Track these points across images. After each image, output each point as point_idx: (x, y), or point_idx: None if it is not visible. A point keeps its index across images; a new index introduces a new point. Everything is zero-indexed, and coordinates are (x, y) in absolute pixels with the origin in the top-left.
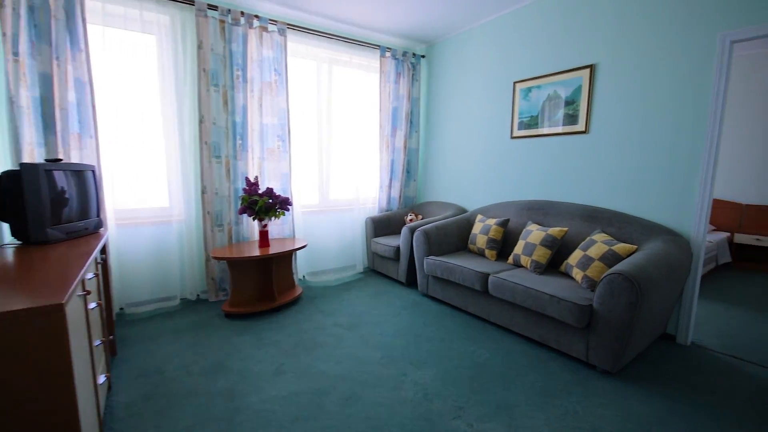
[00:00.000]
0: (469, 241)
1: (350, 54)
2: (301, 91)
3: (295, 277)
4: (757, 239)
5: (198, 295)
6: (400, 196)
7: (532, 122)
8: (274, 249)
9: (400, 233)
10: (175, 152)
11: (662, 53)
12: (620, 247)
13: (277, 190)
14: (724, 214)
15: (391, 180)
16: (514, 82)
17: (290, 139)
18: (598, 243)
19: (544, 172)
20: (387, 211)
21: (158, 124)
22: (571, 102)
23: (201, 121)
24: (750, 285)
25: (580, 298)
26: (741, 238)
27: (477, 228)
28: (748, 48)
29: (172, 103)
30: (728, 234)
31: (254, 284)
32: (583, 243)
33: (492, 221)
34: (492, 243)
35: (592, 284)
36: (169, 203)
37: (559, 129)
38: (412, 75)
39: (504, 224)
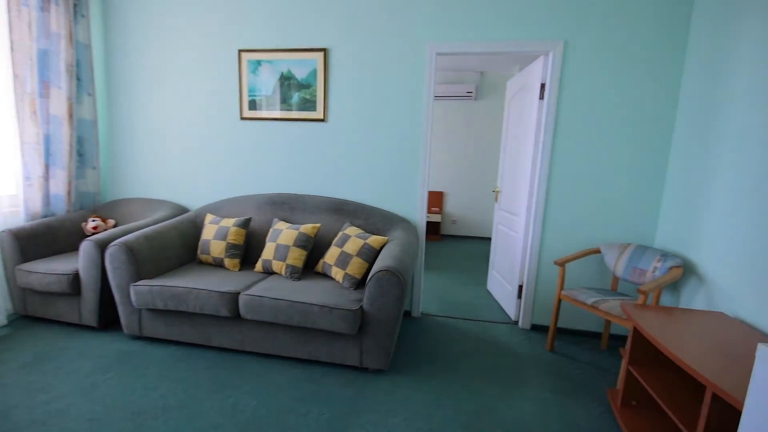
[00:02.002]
0: (199, 251)
1: None
2: None
3: None
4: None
5: None
6: (69, 193)
7: (267, 103)
8: None
9: (76, 251)
10: None
11: (386, 53)
12: (374, 239)
13: None
14: None
15: (48, 168)
16: (240, 51)
17: None
18: (353, 237)
19: (285, 161)
20: (45, 217)
21: None
22: (307, 85)
23: None
24: (432, 253)
25: (350, 302)
26: None
27: (209, 232)
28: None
29: None
30: None
31: None
32: (337, 239)
33: (229, 222)
34: (233, 249)
35: (354, 282)
36: None
37: (298, 114)
38: (75, 6)
39: (245, 224)
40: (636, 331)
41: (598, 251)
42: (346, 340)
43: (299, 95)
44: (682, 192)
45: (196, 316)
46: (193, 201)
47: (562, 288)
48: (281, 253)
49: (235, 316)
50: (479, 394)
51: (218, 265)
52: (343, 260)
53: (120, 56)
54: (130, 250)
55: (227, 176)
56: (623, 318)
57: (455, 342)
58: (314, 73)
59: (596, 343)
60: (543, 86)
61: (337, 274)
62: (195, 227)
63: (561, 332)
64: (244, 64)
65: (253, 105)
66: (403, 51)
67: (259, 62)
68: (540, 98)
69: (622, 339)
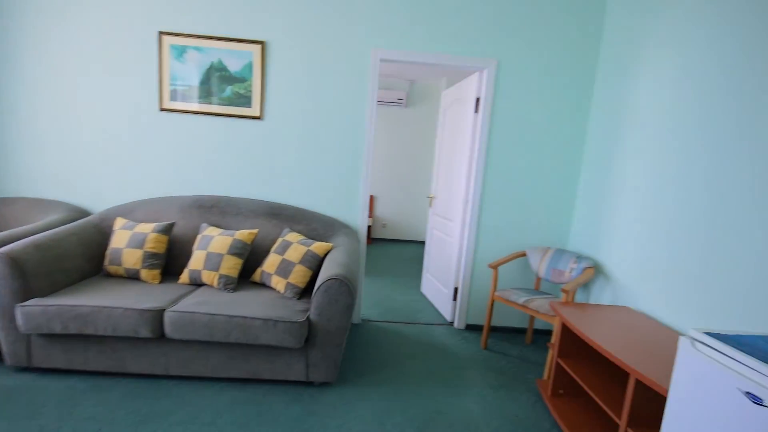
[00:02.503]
0: (107, 261)
1: None
2: None
3: None
4: None
5: None
6: None
7: (193, 94)
8: None
9: None
10: None
11: (330, 54)
12: (317, 246)
13: None
14: None
15: None
16: (161, 33)
17: None
18: (295, 244)
19: (215, 160)
20: None
21: None
22: (241, 79)
23: None
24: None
25: (296, 313)
26: None
27: (121, 239)
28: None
29: None
30: None
31: None
32: (277, 246)
33: (147, 227)
34: (152, 259)
35: (297, 292)
36: None
37: (231, 109)
38: None
39: (167, 230)
40: (564, 327)
41: (524, 254)
42: (291, 354)
43: (232, 89)
44: (590, 202)
45: (107, 340)
46: (96, 202)
47: (495, 289)
48: (213, 262)
49: (159, 337)
50: (427, 398)
51: (133, 277)
52: (285, 269)
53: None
54: (14, 261)
55: (141, 174)
56: (550, 315)
57: (397, 346)
58: (250, 66)
59: (522, 338)
60: (478, 100)
61: (278, 283)
62: (100, 233)
63: (491, 330)
64: (166, 48)
65: (176, 95)
66: (347, 53)
67: (184, 48)
68: (475, 111)
69: (543, 333)
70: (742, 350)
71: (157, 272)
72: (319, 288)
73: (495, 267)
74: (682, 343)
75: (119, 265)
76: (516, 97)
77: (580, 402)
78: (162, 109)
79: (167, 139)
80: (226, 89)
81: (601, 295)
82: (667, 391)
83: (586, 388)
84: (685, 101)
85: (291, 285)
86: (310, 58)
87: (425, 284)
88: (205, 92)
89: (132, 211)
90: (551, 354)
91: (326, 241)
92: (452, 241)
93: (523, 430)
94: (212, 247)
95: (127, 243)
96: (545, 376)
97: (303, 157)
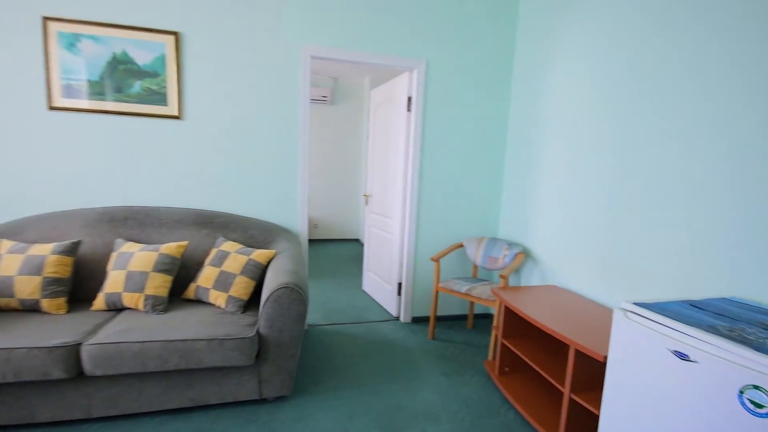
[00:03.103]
0: None
1: None
2: None
3: None
4: None
5: None
6: None
7: (92, 90)
8: None
9: None
10: None
11: (257, 49)
12: (259, 254)
13: None
14: None
15: None
16: (45, 18)
17: None
18: (233, 254)
19: (127, 166)
20: None
21: None
22: (153, 74)
23: None
24: None
25: (243, 329)
26: None
27: (10, 265)
28: None
29: None
30: None
31: None
32: (213, 257)
33: (45, 248)
34: (55, 286)
35: (241, 305)
36: None
37: (142, 107)
38: None
39: (72, 250)
40: (507, 310)
41: (461, 245)
42: (241, 372)
43: (142, 84)
44: (515, 191)
45: (9, 388)
46: None
47: (438, 281)
48: (136, 282)
49: (76, 376)
50: (386, 395)
51: (31, 309)
52: (225, 281)
53: None
54: None
55: (30, 186)
56: (492, 300)
57: (348, 348)
58: (162, 59)
59: (464, 324)
60: (410, 99)
61: (217, 298)
62: None
63: (436, 320)
64: (53, 36)
65: (70, 92)
66: (276, 49)
67: (77, 37)
68: (408, 110)
69: (482, 317)
70: (666, 315)
71: (62, 300)
72: (268, 298)
73: (437, 260)
74: (616, 315)
75: (11, 296)
76: (445, 95)
77: (524, 376)
78: (52, 108)
79: (62, 143)
80: (135, 84)
81: (530, 276)
82: (603, 357)
83: (531, 363)
84: (591, 99)
85: (233, 298)
86: (234, 52)
87: (367, 282)
88: (108, 88)
89: (22, 231)
90: (494, 335)
91: (267, 248)
92: (393, 238)
93: (478, 410)
94: (133, 265)
95: (20, 269)
96: (490, 356)
97: (233, 159)
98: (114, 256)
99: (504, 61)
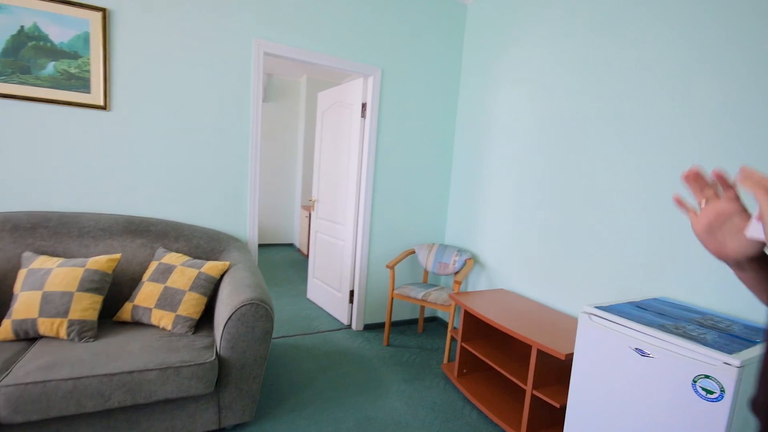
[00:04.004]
0: None
1: None
2: None
3: None
4: None
5: None
6: None
7: None
8: None
9: None
10: None
11: (202, 39)
12: (210, 267)
13: None
14: None
15: None
16: None
17: None
18: (179, 267)
19: (35, 162)
20: None
21: None
22: (73, 55)
23: None
24: None
25: (199, 352)
26: None
27: None
28: None
29: None
30: None
31: None
32: (153, 272)
33: None
34: None
35: (192, 325)
36: None
37: (56, 93)
38: None
39: None
40: (467, 314)
41: (413, 252)
42: (198, 402)
43: (56, 66)
44: (461, 200)
45: None
46: None
47: (393, 288)
48: (56, 305)
49: None
50: (352, 408)
51: None
52: (171, 299)
53: None
54: None
55: None
56: (447, 305)
57: (305, 362)
58: (85, 39)
59: (414, 329)
60: (364, 106)
61: (161, 318)
62: None
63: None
64: None
65: None
66: (224, 37)
67: None
68: (362, 116)
69: (430, 320)
70: (623, 317)
71: None
72: (231, 316)
73: (392, 267)
74: (581, 317)
75: None
76: (398, 104)
77: (482, 376)
78: None
79: None
80: (47, 66)
81: (477, 281)
82: (564, 356)
83: (493, 365)
84: (534, 112)
85: (182, 318)
86: (176, 38)
87: (312, 290)
88: (12, 66)
89: None
90: (449, 338)
91: (216, 260)
92: (344, 245)
93: (444, 413)
94: (52, 284)
95: None
96: (446, 359)
97: (172, 158)
98: (23, 274)
99: (451, 72)
